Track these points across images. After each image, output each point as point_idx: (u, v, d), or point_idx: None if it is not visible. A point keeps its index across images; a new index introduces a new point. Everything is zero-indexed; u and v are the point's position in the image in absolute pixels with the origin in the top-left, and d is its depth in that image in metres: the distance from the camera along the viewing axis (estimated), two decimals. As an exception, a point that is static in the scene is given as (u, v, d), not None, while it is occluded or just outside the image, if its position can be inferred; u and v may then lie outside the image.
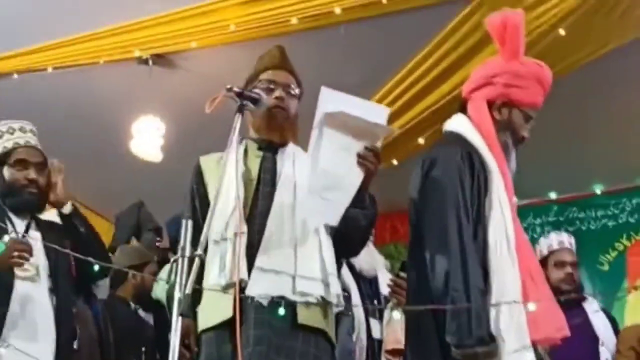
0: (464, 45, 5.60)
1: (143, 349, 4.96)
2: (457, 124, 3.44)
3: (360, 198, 3.08)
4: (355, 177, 3.04)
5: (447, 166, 3.18)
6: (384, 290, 4.26)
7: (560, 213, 8.24)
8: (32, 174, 3.90)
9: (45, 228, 3.94)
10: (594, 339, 4.92)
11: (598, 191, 8.12)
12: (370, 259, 4.27)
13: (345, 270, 4.16)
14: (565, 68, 5.86)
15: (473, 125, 3.35)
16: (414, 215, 3.35)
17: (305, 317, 2.96)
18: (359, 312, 4.14)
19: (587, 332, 4.73)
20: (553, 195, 8.26)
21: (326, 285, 3.02)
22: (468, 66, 5.72)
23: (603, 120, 7.02)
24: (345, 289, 4.01)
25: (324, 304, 3.01)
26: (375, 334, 4.19)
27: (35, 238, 3.79)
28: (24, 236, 3.78)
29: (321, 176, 3.01)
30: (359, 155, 3.01)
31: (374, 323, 4.20)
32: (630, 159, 7.47)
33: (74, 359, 4.16)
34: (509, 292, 3.04)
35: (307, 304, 2.96)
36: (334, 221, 3.05)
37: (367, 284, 4.30)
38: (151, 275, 5.17)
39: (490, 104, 3.38)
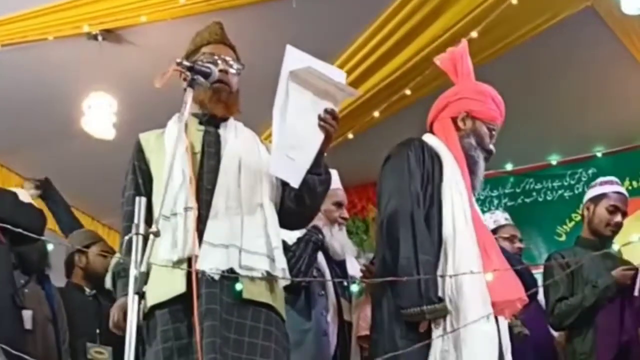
0: (417, 15, 5.61)
1: (97, 330, 4.88)
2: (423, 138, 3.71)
3: (317, 162, 3.10)
4: (316, 139, 3.06)
5: (399, 159, 3.51)
6: (352, 271, 4.26)
7: (517, 184, 8.26)
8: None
9: None
10: (540, 310, 5.05)
11: (554, 162, 8.16)
12: (344, 241, 4.24)
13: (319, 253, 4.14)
14: (518, 38, 5.90)
15: (437, 138, 3.68)
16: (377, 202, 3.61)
17: (250, 292, 2.95)
18: (330, 293, 4.10)
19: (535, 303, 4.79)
20: (509, 167, 8.29)
21: (271, 259, 3.01)
22: (421, 37, 5.74)
23: (557, 90, 7.07)
24: (319, 268, 4.04)
25: (269, 278, 3.00)
26: (346, 315, 4.16)
27: None
28: None
29: (287, 133, 3.01)
30: (320, 117, 3.03)
31: (344, 304, 4.17)
32: (585, 129, 7.52)
33: (27, 339, 4.10)
34: (468, 262, 3.29)
35: (252, 279, 2.95)
36: (296, 182, 3.05)
37: (336, 266, 4.27)
38: (99, 254, 5.09)
39: (455, 119, 3.70)
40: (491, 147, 3.69)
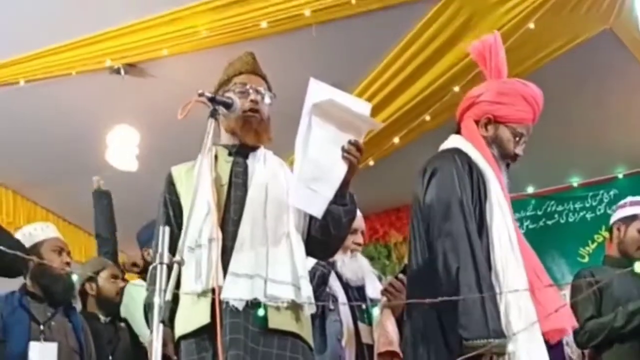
0: (435, 43, 5.62)
1: (110, 357, 4.91)
2: (451, 141, 3.59)
3: (342, 193, 3.10)
4: (339, 170, 3.05)
5: (448, 173, 3.32)
6: (372, 295, 4.27)
7: (539, 207, 8.24)
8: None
9: None
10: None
11: (575, 184, 8.14)
12: (356, 268, 4.26)
13: (333, 277, 4.17)
14: (537, 62, 5.91)
15: (466, 141, 3.52)
16: (418, 217, 3.42)
17: (276, 321, 2.96)
18: (346, 317, 4.12)
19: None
20: (530, 190, 8.28)
21: (297, 288, 3.02)
22: (439, 64, 5.76)
23: (578, 112, 7.06)
24: (332, 294, 4.04)
25: (294, 306, 3.01)
26: (365, 338, 4.17)
27: None
28: None
29: (309, 165, 3.03)
30: (343, 149, 3.03)
31: (362, 327, 4.18)
32: (606, 150, 7.51)
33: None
34: (516, 287, 3.16)
35: (278, 308, 2.96)
36: (319, 213, 3.05)
37: (354, 291, 4.28)
38: (108, 280, 5.10)
39: (477, 122, 3.55)
40: (517, 150, 3.53)
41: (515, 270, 3.22)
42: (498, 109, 3.52)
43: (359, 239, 4.38)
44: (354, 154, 3.03)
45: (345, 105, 3.03)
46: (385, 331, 4.13)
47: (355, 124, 3.07)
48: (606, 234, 7.63)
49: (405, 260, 3.71)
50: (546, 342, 3.24)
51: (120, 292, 5.08)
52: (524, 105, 3.53)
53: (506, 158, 3.55)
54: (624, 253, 4.90)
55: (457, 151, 3.46)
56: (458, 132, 3.65)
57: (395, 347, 4.04)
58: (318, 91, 3.03)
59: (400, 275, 3.88)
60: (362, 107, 3.11)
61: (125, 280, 5.20)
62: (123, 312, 5.04)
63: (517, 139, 3.52)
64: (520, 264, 3.25)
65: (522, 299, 3.14)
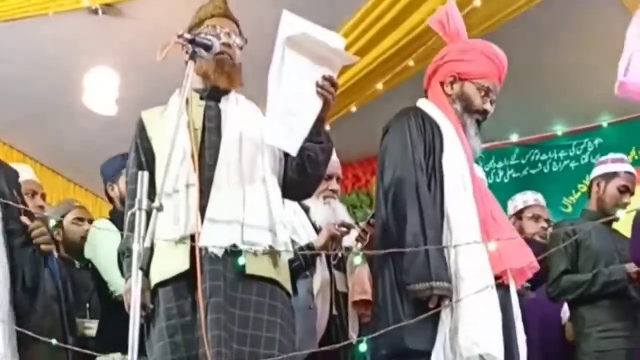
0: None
1: (87, 305, 4.85)
2: (417, 103, 3.69)
3: (317, 130, 3.08)
4: (314, 106, 3.02)
5: (400, 129, 3.47)
6: (347, 242, 4.20)
7: (522, 155, 8.20)
8: None
9: None
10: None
11: (559, 132, 8.10)
12: (330, 215, 4.19)
13: (308, 225, 4.10)
14: (521, 6, 5.83)
15: (429, 101, 3.66)
16: (378, 171, 3.57)
17: (254, 267, 2.94)
18: (322, 265, 4.07)
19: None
20: (514, 138, 8.23)
21: (274, 233, 3.01)
22: (424, 7, 5.67)
23: (562, 60, 6.99)
24: (309, 246, 3.95)
25: (272, 252, 2.99)
26: (340, 286, 4.13)
27: None
28: None
29: (283, 100, 2.99)
30: (317, 84, 3.00)
31: (337, 275, 4.14)
32: (590, 98, 7.45)
33: (31, 318, 4.06)
34: (467, 233, 3.26)
35: (255, 254, 2.95)
36: (293, 150, 3.03)
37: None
38: (73, 223, 5.03)
39: (442, 84, 3.66)
40: (486, 106, 3.61)
41: (467, 216, 3.32)
42: (461, 66, 3.64)
43: (334, 185, 4.31)
44: (328, 89, 3.01)
45: (320, 39, 3.00)
46: (360, 279, 4.10)
47: (329, 58, 3.04)
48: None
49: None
50: (507, 286, 3.37)
51: (86, 236, 4.95)
52: (487, 62, 3.62)
53: (474, 113, 3.62)
54: (601, 209, 4.92)
55: (412, 109, 3.59)
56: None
57: (369, 296, 4.01)
58: (291, 24, 2.99)
59: (372, 220, 3.82)
60: (337, 42, 3.08)
61: (90, 223, 5.04)
62: (88, 254, 4.89)
63: (483, 93, 3.60)
64: (474, 209, 3.35)
65: (472, 245, 3.22)
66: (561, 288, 4.73)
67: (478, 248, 3.23)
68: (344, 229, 3.84)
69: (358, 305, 4.10)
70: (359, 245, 3.97)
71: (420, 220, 3.24)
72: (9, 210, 3.64)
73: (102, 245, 4.36)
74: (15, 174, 3.91)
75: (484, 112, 3.62)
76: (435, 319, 3.18)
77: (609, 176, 4.98)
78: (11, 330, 3.45)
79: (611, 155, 5.21)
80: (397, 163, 3.39)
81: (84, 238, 4.89)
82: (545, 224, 5.36)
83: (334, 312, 4.06)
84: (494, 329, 3.19)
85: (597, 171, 5.12)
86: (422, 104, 3.65)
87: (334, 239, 3.82)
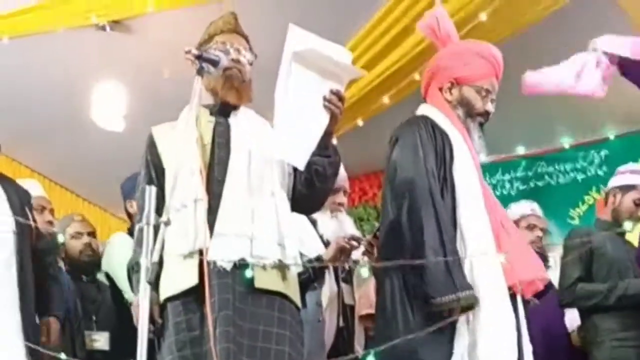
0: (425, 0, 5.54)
1: (94, 317, 4.86)
2: (419, 110, 3.63)
3: (325, 144, 3.08)
4: (321, 120, 3.02)
5: (411, 138, 3.38)
6: (355, 255, 4.21)
7: (529, 168, 8.22)
8: None
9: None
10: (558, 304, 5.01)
11: (566, 145, 8.10)
12: (337, 228, 4.20)
13: (316, 238, 4.11)
14: (528, 20, 5.83)
15: (432, 107, 3.58)
16: (387, 182, 3.48)
17: (263, 281, 2.94)
18: (330, 278, 4.08)
19: (552, 297, 4.77)
20: (521, 150, 8.24)
21: (282, 247, 3.01)
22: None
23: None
24: (318, 258, 3.96)
25: (281, 266, 2.99)
26: (347, 299, 4.13)
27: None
28: None
29: (290, 115, 2.99)
30: (325, 99, 2.99)
31: (345, 288, 4.15)
32: (597, 111, 7.45)
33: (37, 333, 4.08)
34: (481, 244, 3.22)
35: (264, 268, 2.94)
36: (301, 164, 3.03)
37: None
38: (73, 238, 5.01)
39: (441, 90, 3.60)
40: (487, 107, 3.56)
41: (480, 227, 3.28)
42: (457, 70, 3.58)
43: (341, 198, 4.33)
44: (335, 103, 3.01)
45: (327, 53, 2.99)
46: (367, 293, 4.11)
47: (336, 73, 3.03)
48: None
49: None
50: (521, 297, 3.36)
51: (86, 249, 4.97)
52: (482, 62, 3.58)
53: (476, 117, 3.58)
54: (616, 220, 4.90)
55: (422, 118, 3.51)
56: None
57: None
58: (298, 38, 2.98)
59: (378, 234, 3.82)
60: (344, 56, 3.08)
61: (90, 235, 5.06)
62: (105, 267, 4.94)
63: (483, 94, 3.56)
64: (486, 219, 3.31)
65: (486, 257, 3.19)
66: (575, 296, 4.72)
67: (492, 263, 3.20)
68: (354, 243, 3.83)
69: (365, 319, 4.11)
70: (366, 259, 3.97)
71: (439, 234, 3.16)
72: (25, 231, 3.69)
73: (119, 255, 4.39)
74: (28, 195, 3.94)
75: (486, 114, 3.57)
76: (451, 332, 3.14)
77: (626, 188, 4.96)
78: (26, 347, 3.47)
79: (630, 167, 5.19)
80: (410, 169, 3.31)
81: (82, 252, 4.92)
82: (540, 233, 5.35)
83: (342, 324, 4.06)
84: (511, 343, 3.16)
85: (615, 182, 5.09)
86: (427, 110, 3.59)
87: (343, 252, 3.81)
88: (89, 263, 4.96)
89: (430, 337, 3.04)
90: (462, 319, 3.13)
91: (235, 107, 3.25)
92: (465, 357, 3.11)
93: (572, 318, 5.11)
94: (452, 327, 3.13)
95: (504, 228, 3.39)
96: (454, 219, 3.28)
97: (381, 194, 3.51)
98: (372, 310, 4.03)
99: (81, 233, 5.03)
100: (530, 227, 5.31)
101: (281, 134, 3.00)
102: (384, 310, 3.34)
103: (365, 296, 4.11)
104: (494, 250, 3.23)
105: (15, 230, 3.66)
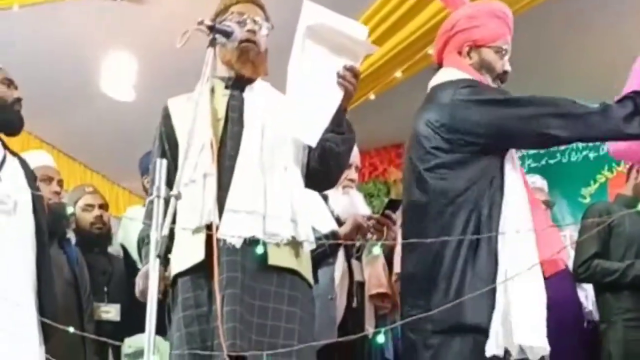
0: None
1: (105, 289, 4.86)
2: (447, 74, 3.51)
3: (339, 121, 3.02)
4: (334, 96, 2.96)
5: (478, 88, 3.34)
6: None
7: (539, 146, 8.19)
8: (16, 94, 3.75)
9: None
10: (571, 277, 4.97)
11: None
12: (347, 204, 4.15)
13: (328, 214, 4.04)
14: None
15: (461, 71, 3.46)
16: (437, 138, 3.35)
17: (276, 257, 2.90)
18: (339, 256, 4.04)
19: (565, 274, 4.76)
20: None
21: (295, 223, 2.97)
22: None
23: (583, 49, 6.94)
24: (333, 233, 3.92)
25: (294, 242, 2.95)
26: (357, 276, 4.10)
27: (12, 168, 3.63)
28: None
29: (303, 90, 2.95)
30: (338, 74, 2.94)
31: (355, 265, 4.11)
32: (612, 88, 7.39)
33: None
34: (521, 216, 3.24)
35: (278, 245, 2.91)
36: (313, 141, 2.98)
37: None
38: (84, 211, 4.95)
39: (459, 54, 3.51)
40: (506, 67, 3.51)
41: (521, 199, 3.26)
42: (474, 33, 3.50)
43: (353, 174, 4.28)
44: (349, 79, 2.95)
45: (341, 28, 2.94)
46: (377, 272, 4.07)
47: (351, 48, 2.98)
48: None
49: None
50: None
51: (97, 221, 4.96)
52: (497, 22, 3.52)
53: (497, 79, 3.53)
54: (637, 195, 4.83)
55: (468, 80, 3.42)
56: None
57: (386, 289, 3.98)
58: (312, 13, 2.94)
59: (387, 212, 3.78)
60: (359, 31, 3.02)
61: (101, 208, 5.05)
62: (120, 239, 4.94)
63: (503, 54, 3.52)
64: (525, 194, 3.30)
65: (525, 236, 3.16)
66: (591, 272, 4.69)
67: (528, 240, 3.18)
68: (371, 222, 3.80)
69: (375, 298, 4.08)
70: (374, 237, 3.93)
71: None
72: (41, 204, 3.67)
73: (135, 229, 4.39)
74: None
75: (505, 74, 3.52)
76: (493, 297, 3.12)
77: None
78: (37, 318, 3.46)
79: None
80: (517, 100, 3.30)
81: (93, 225, 4.91)
82: (543, 206, 5.31)
83: (355, 305, 4.04)
84: (542, 320, 3.15)
85: None
86: (457, 74, 3.47)
87: (360, 230, 3.79)
88: (99, 235, 4.94)
89: (476, 299, 3.02)
90: (500, 288, 3.11)
91: (250, 81, 3.19)
92: (500, 323, 3.10)
93: (587, 296, 5.08)
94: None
95: (535, 207, 3.36)
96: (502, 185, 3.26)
97: (408, 162, 3.45)
98: (382, 290, 4.00)
99: (92, 205, 5.00)
100: None
101: (293, 111, 2.97)
102: (437, 273, 3.24)
103: (375, 275, 4.08)
104: (530, 224, 3.22)
105: (34, 206, 3.64)
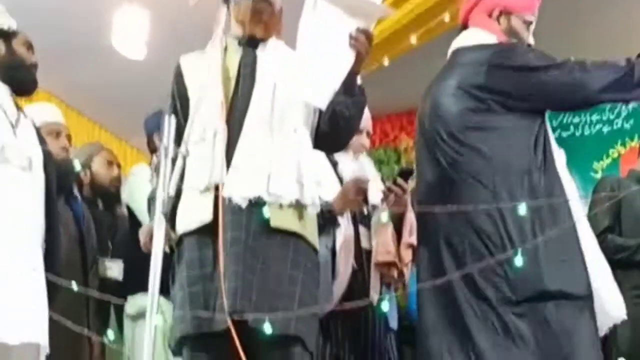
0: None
1: (110, 245, 4.83)
2: (476, 36, 3.46)
3: (350, 84, 2.99)
4: (346, 59, 2.92)
5: (519, 50, 3.31)
6: (374, 199, 4.12)
7: (554, 117, 8.10)
8: (34, 59, 3.73)
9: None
10: None
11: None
12: (357, 170, 4.10)
13: (335, 180, 4.00)
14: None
15: (492, 35, 3.41)
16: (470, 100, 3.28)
17: (279, 220, 2.88)
18: (346, 219, 4.00)
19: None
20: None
21: (301, 185, 2.94)
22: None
23: (600, 24, 6.89)
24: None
25: (298, 205, 2.93)
26: (364, 243, 4.07)
27: (27, 128, 3.61)
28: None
29: (314, 51, 2.91)
30: (351, 36, 2.89)
31: (362, 232, 4.08)
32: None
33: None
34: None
35: (281, 206, 2.89)
36: (322, 104, 2.97)
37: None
38: (102, 167, 4.96)
39: (490, 17, 3.44)
40: (530, 40, 3.46)
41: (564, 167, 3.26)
42: None
43: (364, 139, 4.25)
44: (362, 41, 2.90)
45: None
46: (384, 240, 4.03)
47: (365, 10, 2.94)
48: (622, 150, 7.55)
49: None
50: None
51: (115, 179, 4.94)
52: None
53: None
54: None
55: (512, 44, 3.39)
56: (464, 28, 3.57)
57: (393, 257, 3.94)
58: None
59: (399, 180, 3.72)
60: None
61: (119, 167, 5.04)
62: (126, 198, 4.91)
63: (529, 25, 3.46)
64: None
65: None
66: (604, 246, 4.66)
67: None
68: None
69: (381, 266, 4.04)
70: (384, 204, 3.88)
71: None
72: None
73: (140, 188, 4.36)
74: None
75: (529, 47, 3.46)
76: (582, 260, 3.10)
77: None
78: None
79: None
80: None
81: (112, 182, 4.90)
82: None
83: (356, 267, 4.00)
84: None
85: None
86: (489, 38, 3.42)
87: (359, 193, 3.74)
88: (115, 194, 4.94)
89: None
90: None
91: (264, 40, 3.15)
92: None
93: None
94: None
95: None
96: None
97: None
98: (389, 258, 3.95)
99: (112, 163, 5.01)
100: None
101: (303, 72, 2.92)
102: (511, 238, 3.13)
103: (382, 243, 4.03)
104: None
105: (45, 163, 3.62)
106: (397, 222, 3.94)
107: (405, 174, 3.71)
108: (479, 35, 3.45)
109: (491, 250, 3.06)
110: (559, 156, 3.25)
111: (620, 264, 4.58)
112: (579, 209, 3.18)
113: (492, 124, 3.20)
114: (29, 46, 3.72)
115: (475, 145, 3.19)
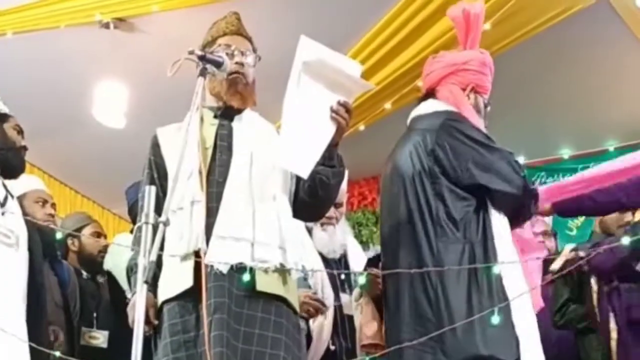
0: (429, 7, 5.56)
1: (94, 314, 4.88)
2: (436, 105, 3.54)
3: (330, 155, 3.06)
4: (327, 130, 3.00)
5: (466, 124, 3.37)
6: (354, 265, 4.19)
7: (528, 178, 8.15)
8: (23, 142, 3.86)
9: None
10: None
11: (566, 156, 8.10)
12: (327, 241, 4.18)
13: (312, 247, 4.08)
14: (532, 30, 5.87)
15: (455, 108, 3.48)
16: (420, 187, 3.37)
17: (264, 284, 2.92)
18: (327, 290, 4.06)
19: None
20: (521, 160, 8.20)
21: (284, 250, 2.99)
22: (433, 29, 5.70)
23: (570, 84, 7.01)
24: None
25: (282, 270, 2.98)
26: (347, 309, 4.10)
27: (13, 207, 3.67)
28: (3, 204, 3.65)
29: (297, 125, 2.98)
30: (332, 109, 2.98)
31: (345, 298, 4.12)
32: (597, 123, 7.47)
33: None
34: (509, 250, 3.29)
35: (266, 271, 2.93)
36: (305, 173, 3.01)
37: (336, 263, 4.22)
38: (91, 237, 5.05)
39: (463, 90, 3.52)
40: (486, 123, 3.56)
41: (506, 233, 3.31)
42: (480, 79, 3.55)
43: (331, 212, 4.21)
44: (342, 114, 2.99)
45: (337, 65, 2.99)
46: (367, 322, 4.06)
47: (346, 85, 3.02)
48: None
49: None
50: None
51: (103, 250, 5.01)
52: (490, 77, 3.60)
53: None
54: (605, 230, 4.86)
55: (452, 111, 3.46)
56: (428, 97, 3.63)
57: (378, 339, 3.98)
58: (309, 49, 2.97)
59: (375, 270, 3.74)
60: (354, 69, 3.06)
61: (106, 238, 5.13)
62: (108, 265, 4.97)
63: (486, 109, 3.58)
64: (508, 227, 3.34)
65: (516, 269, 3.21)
66: (567, 318, 4.70)
67: (519, 271, 3.24)
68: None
69: (367, 347, 4.07)
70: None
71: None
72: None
73: (122, 256, 4.41)
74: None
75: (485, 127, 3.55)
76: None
77: None
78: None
79: None
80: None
81: (100, 253, 4.97)
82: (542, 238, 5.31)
83: (332, 347, 4.05)
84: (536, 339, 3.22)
85: None
86: (447, 107, 3.50)
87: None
88: (100, 263, 5.00)
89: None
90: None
91: (239, 111, 3.23)
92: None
93: None
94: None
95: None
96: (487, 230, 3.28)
97: (399, 195, 3.44)
98: (373, 341, 3.97)
99: (100, 234, 5.10)
100: None
101: (287, 143, 2.99)
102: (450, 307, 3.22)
103: (365, 324, 4.03)
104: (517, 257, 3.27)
105: (28, 233, 3.68)
106: (378, 301, 3.99)
107: (375, 260, 3.78)
108: (435, 104, 3.54)
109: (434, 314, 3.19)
110: (503, 228, 3.31)
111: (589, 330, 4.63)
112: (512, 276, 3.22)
113: (440, 190, 3.30)
114: (20, 130, 3.82)
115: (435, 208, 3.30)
